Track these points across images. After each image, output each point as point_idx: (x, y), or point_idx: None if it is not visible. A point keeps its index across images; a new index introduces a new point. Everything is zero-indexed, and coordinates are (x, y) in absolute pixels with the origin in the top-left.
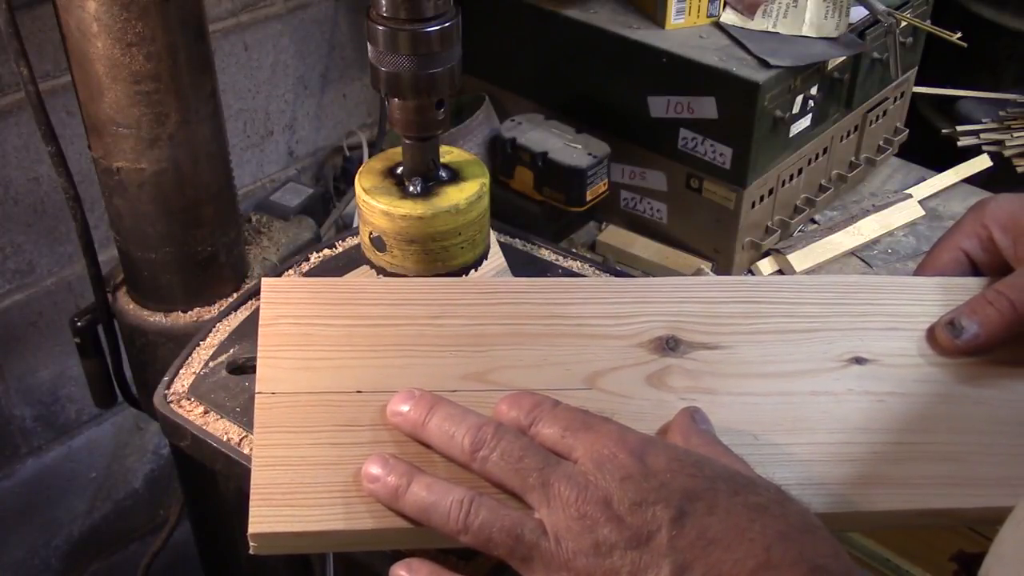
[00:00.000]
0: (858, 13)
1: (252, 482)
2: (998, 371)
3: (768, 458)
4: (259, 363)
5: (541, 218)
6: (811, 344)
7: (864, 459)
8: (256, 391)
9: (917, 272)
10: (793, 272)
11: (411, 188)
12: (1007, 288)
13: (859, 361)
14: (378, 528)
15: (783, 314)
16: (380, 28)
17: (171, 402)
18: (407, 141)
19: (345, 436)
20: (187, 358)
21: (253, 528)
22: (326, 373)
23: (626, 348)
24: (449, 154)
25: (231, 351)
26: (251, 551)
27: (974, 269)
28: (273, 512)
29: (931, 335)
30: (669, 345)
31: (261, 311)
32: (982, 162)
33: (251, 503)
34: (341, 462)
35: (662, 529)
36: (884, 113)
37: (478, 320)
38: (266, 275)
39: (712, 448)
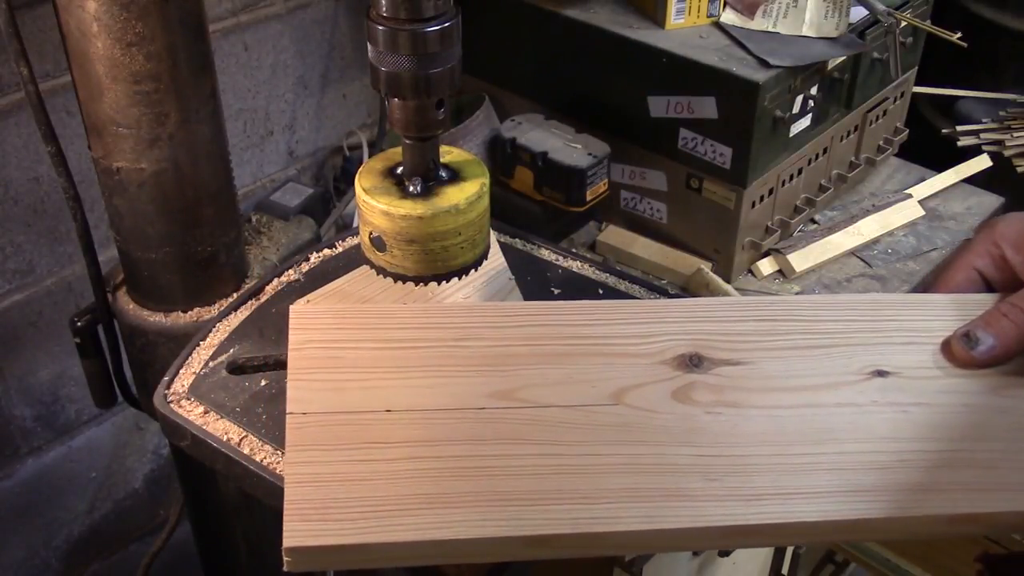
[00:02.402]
0: (858, 13)
1: (286, 498)
2: (1019, 381)
3: (798, 467)
4: (289, 384)
5: (541, 218)
6: (832, 359)
7: (892, 467)
8: (287, 411)
9: (931, 292)
10: (793, 272)
11: (411, 188)
12: (1022, 300)
13: (881, 374)
14: (412, 541)
15: (802, 331)
16: (380, 28)
17: (171, 402)
18: (407, 141)
19: (376, 453)
20: (187, 358)
21: (288, 543)
22: (355, 393)
23: (650, 365)
24: (449, 154)
25: (231, 351)
26: (285, 568)
27: (988, 288)
28: (307, 527)
29: (947, 348)
30: (692, 362)
31: (290, 337)
32: (982, 162)
33: (285, 518)
34: (373, 478)
35: None
36: (884, 113)
37: (502, 342)
38: (266, 275)
39: None
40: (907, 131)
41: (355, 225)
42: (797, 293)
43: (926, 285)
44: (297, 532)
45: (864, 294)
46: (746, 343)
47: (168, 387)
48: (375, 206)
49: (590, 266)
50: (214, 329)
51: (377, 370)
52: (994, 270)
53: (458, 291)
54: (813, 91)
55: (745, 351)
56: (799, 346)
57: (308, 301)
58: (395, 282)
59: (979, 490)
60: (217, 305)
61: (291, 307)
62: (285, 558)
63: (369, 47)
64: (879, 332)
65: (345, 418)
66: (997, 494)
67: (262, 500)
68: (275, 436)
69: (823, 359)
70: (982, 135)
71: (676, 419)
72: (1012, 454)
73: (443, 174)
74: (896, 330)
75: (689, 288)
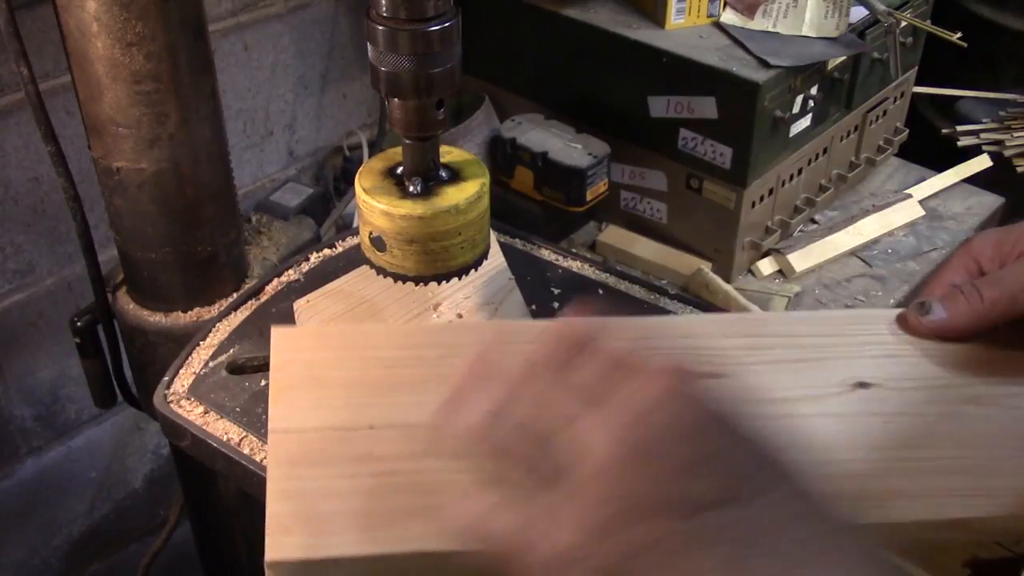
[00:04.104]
0: (858, 13)
1: (268, 513)
2: (1001, 390)
3: None
4: (271, 403)
5: (541, 218)
6: (813, 372)
7: (879, 475)
8: (269, 429)
9: None
10: (793, 272)
11: (411, 188)
12: (981, 283)
13: (863, 386)
14: (397, 553)
15: (783, 345)
16: (380, 28)
17: (171, 402)
18: (407, 141)
19: (359, 468)
20: (187, 358)
21: (269, 556)
22: (338, 410)
23: None
24: (449, 154)
25: (231, 351)
26: None
27: None
28: (289, 540)
29: (901, 318)
30: None
31: (272, 357)
32: (982, 162)
33: (267, 532)
34: (356, 492)
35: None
36: (884, 113)
37: None
38: (266, 275)
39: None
40: (907, 131)
41: (355, 225)
42: (797, 293)
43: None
44: (279, 545)
45: (843, 310)
46: (727, 357)
47: (168, 387)
48: (375, 206)
49: (590, 266)
50: (214, 329)
51: (360, 388)
52: None
53: (458, 291)
54: (813, 91)
55: (726, 365)
56: (780, 359)
57: (308, 301)
58: (395, 282)
59: (967, 495)
60: (217, 305)
61: (272, 328)
62: (267, 572)
63: (369, 47)
64: (859, 346)
65: (328, 435)
66: (985, 499)
67: (262, 500)
68: None
69: (804, 372)
70: (982, 135)
71: None
72: (997, 460)
73: (443, 174)
74: (876, 343)
75: (689, 288)
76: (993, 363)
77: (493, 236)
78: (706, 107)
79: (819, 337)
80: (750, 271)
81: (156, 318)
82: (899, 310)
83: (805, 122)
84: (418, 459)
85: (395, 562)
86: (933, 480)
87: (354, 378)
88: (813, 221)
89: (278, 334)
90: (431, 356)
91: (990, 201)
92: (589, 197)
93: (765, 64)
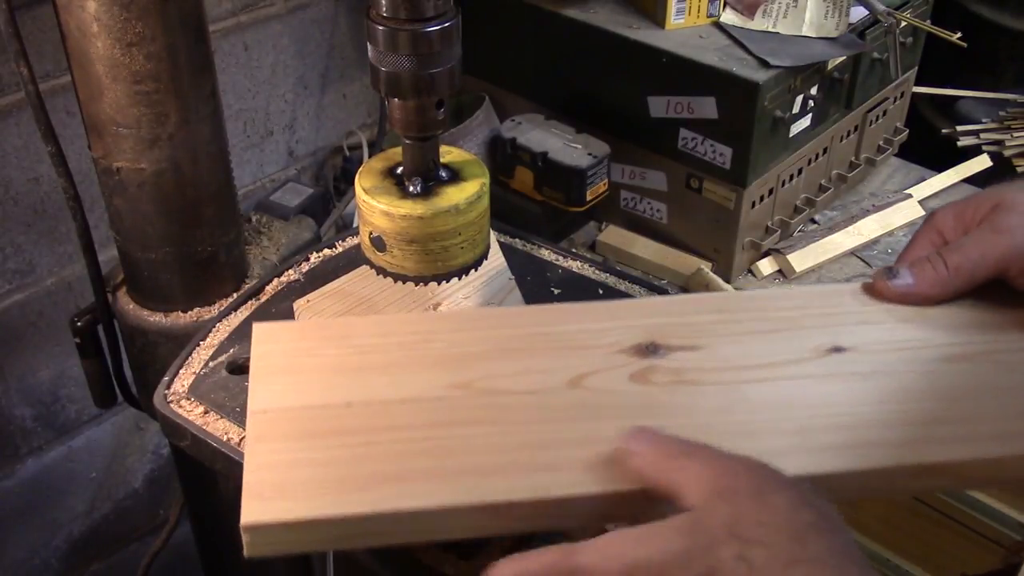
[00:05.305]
0: (858, 13)
1: (244, 482)
2: (978, 348)
3: (760, 431)
4: (251, 388)
5: (541, 218)
6: (788, 340)
7: (854, 426)
8: (248, 412)
9: None
10: (793, 272)
11: (411, 188)
12: (947, 252)
13: (838, 350)
14: (368, 513)
15: (757, 318)
16: (380, 28)
17: (171, 402)
18: (407, 141)
19: (335, 441)
20: (187, 358)
21: (245, 519)
22: (316, 391)
23: (608, 355)
24: (449, 154)
25: (231, 351)
26: (245, 551)
27: None
28: (264, 505)
29: (868, 284)
30: (649, 349)
31: (252, 350)
32: (982, 162)
33: (243, 499)
34: (332, 463)
35: None
36: (884, 113)
37: (462, 344)
38: (266, 275)
39: None
40: (907, 131)
41: (355, 225)
42: None
43: None
44: (254, 510)
45: (807, 286)
46: (702, 330)
47: (168, 387)
48: (375, 206)
49: (590, 266)
50: (214, 329)
51: (338, 372)
52: None
53: (458, 291)
54: (813, 91)
55: (701, 337)
56: (755, 331)
57: (308, 301)
58: (395, 282)
59: (944, 441)
60: (217, 305)
61: (254, 324)
62: (244, 539)
63: (369, 47)
64: (833, 315)
65: (306, 412)
66: (962, 444)
67: None
68: None
69: (780, 341)
70: (982, 135)
71: (634, 396)
72: (972, 409)
73: (443, 174)
74: (850, 313)
75: (689, 288)
76: (965, 326)
77: (493, 236)
78: (706, 107)
79: (788, 310)
80: (750, 271)
81: (156, 318)
82: (860, 283)
83: (805, 122)
84: (393, 430)
85: (370, 523)
86: (914, 429)
87: (333, 364)
88: (813, 221)
89: (259, 330)
90: (408, 342)
91: None
92: (589, 197)
93: (765, 64)
